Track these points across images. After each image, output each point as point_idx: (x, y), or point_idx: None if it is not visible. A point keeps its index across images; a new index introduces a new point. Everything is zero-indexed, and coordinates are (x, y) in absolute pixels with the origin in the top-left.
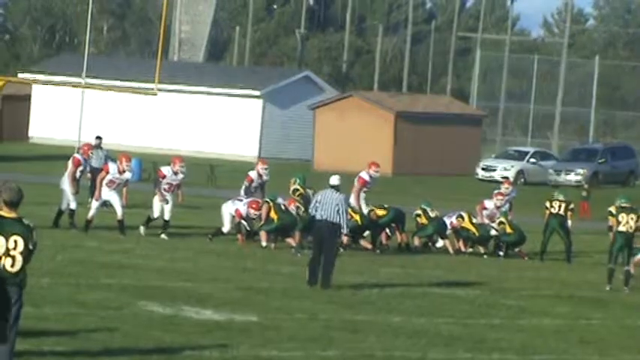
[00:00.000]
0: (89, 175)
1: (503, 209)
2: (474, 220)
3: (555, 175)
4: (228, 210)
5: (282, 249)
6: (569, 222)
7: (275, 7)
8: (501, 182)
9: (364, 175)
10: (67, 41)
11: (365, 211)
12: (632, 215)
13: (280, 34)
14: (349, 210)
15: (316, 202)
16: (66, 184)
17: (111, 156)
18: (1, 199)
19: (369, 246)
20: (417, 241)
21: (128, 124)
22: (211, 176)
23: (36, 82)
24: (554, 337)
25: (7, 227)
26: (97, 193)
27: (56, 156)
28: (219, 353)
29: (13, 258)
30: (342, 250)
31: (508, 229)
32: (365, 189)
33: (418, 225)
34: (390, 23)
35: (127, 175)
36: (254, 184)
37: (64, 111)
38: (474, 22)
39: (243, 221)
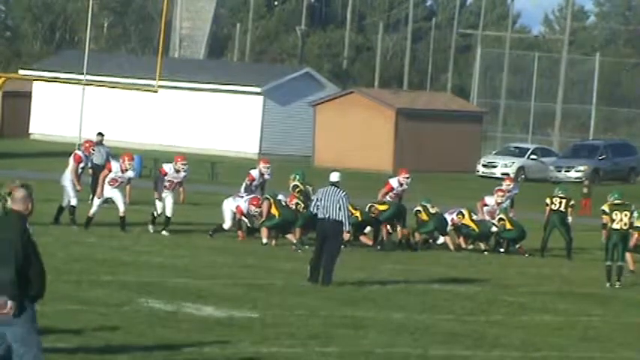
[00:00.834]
0: (90, 171)
1: (504, 205)
2: (474, 217)
3: (556, 171)
4: (229, 206)
5: (283, 245)
6: (570, 218)
7: (276, 3)
8: (502, 179)
9: (393, 182)
10: (68, 38)
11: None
12: (626, 212)
13: (281, 31)
14: (349, 206)
15: (317, 199)
16: (67, 181)
17: (112, 153)
18: None
19: (370, 242)
20: (417, 237)
21: (129, 120)
22: (212, 173)
23: (36, 79)
24: (554, 334)
25: None
26: (99, 190)
27: (57, 153)
28: (219, 350)
29: None
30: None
31: (508, 226)
32: (391, 194)
33: (419, 221)
34: (390, 20)
35: (130, 173)
36: (255, 183)
37: (64, 108)
38: (474, 19)
39: (244, 218)
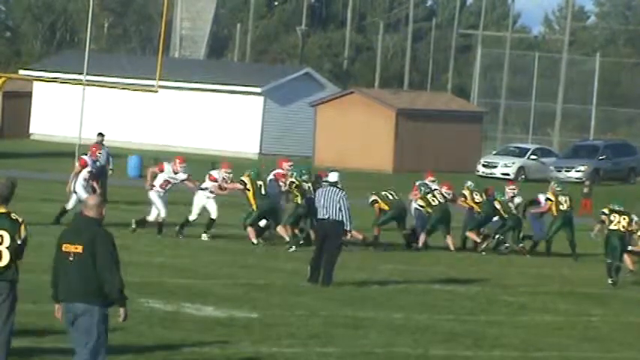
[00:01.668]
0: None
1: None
2: (476, 198)
3: (556, 171)
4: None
5: (282, 245)
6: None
7: (276, 3)
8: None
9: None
10: (68, 38)
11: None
12: (625, 216)
13: (281, 31)
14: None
15: (317, 200)
16: (79, 187)
17: (112, 153)
18: None
19: (360, 236)
20: (375, 231)
21: (129, 121)
22: None
23: (37, 79)
24: (555, 334)
25: None
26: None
27: (57, 153)
28: (219, 350)
29: (0, 253)
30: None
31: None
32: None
33: (378, 212)
34: (390, 20)
35: (182, 175)
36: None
37: (64, 108)
38: (474, 19)
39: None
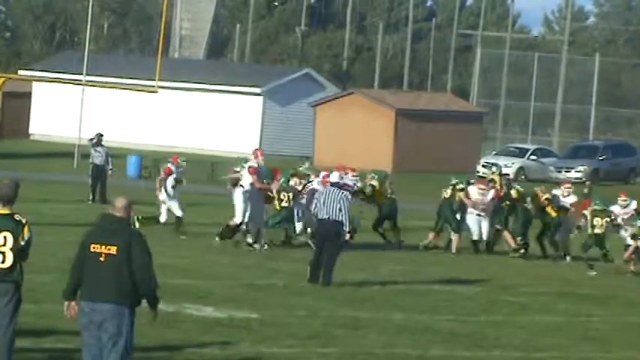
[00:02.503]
0: (90, 173)
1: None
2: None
3: (556, 172)
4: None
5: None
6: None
7: (276, 4)
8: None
9: (472, 191)
10: (68, 39)
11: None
12: (606, 217)
13: (281, 32)
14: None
15: (317, 201)
16: (162, 194)
17: (111, 153)
18: None
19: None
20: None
21: (129, 121)
22: (211, 173)
23: (36, 79)
24: (555, 334)
25: None
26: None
27: (57, 153)
28: (220, 350)
29: (3, 254)
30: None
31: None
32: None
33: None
34: (390, 21)
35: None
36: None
37: (64, 108)
38: (474, 20)
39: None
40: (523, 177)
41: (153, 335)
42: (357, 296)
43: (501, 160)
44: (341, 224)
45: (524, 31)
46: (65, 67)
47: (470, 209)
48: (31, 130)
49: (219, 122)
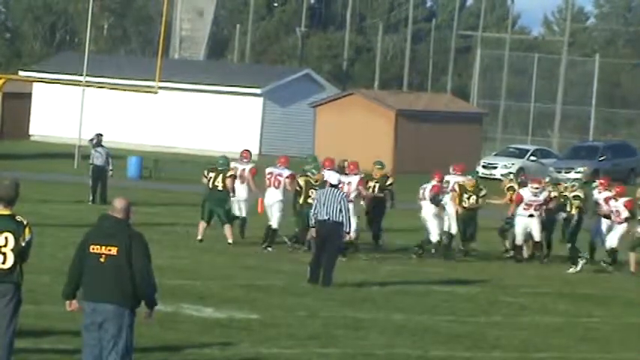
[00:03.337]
0: (90, 173)
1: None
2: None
3: (556, 172)
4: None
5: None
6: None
7: (276, 5)
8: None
9: (525, 193)
10: (68, 39)
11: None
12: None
13: (281, 32)
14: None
15: (317, 201)
16: (274, 201)
17: (112, 154)
18: None
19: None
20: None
21: (129, 122)
22: None
23: (37, 80)
24: (554, 335)
25: None
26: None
27: (57, 154)
28: (219, 351)
29: (4, 255)
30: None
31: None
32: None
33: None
34: (390, 21)
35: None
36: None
37: (64, 109)
38: (474, 21)
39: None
40: (523, 178)
41: (152, 336)
42: (357, 297)
43: (501, 161)
44: (340, 225)
45: (524, 31)
46: (65, 67)
47: (520, 210)
48: (31, 131)
49: (220, 123)
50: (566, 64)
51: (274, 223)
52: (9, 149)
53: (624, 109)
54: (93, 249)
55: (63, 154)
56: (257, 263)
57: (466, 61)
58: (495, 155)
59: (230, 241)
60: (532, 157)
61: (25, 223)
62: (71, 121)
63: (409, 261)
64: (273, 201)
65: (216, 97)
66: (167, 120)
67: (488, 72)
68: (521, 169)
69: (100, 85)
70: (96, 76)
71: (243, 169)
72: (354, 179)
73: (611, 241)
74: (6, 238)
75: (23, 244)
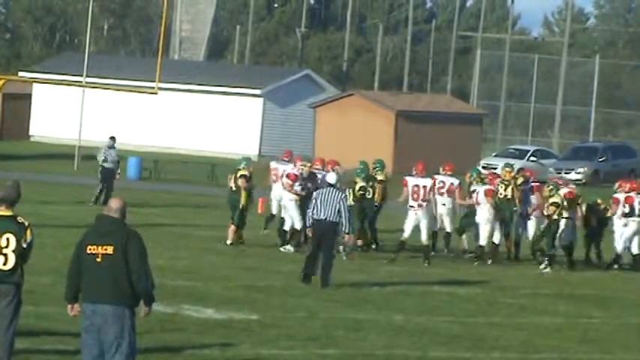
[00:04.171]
0: (99, 175)
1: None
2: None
3: (556, 173)
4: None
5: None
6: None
7: (275, 5)
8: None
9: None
10: (68, 40)
11: None
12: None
13: (281, 33)
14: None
15: (316, 201)
16: (287, 200)
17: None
18: None
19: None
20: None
21: (129, 122)
22: (212, 175)
23: (37, 81)
24: (554, 336)
25: None
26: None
27: (57, 155)
28: (219, 352)
29: (5, 256)
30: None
31: None
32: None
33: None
34: (390, 22)
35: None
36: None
37: (64, 110)
38: (474, 21)
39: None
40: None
41: (152, 337)
42: (356, 298)
43: (501, 162)
44: (338, 225)
45: (524, 32)
46: (65, 68)
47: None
48: (31, 132)
49: (220, 124)
50: (566, 65)
51: (297, 223)
52: (9, 150)
53: (624, 110)
54: (90, 249)
55: (63, 155)
56: (257, 264)
57: (466, 62)
58: (495, 156)
59: (229, 242)
60: (532, 158)
61: (26, 224)
62: (71, 121)
63: (409, 262)
64: (284, 197)
65: (216, 97)
66: (167, 121)
67: (488, 73)
68: (521, 170)
69: (100, 86)
70: (96, 77)
71: (284, 170)
72: (428, 182)
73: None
74: (7, 239)
75: (24, 246)
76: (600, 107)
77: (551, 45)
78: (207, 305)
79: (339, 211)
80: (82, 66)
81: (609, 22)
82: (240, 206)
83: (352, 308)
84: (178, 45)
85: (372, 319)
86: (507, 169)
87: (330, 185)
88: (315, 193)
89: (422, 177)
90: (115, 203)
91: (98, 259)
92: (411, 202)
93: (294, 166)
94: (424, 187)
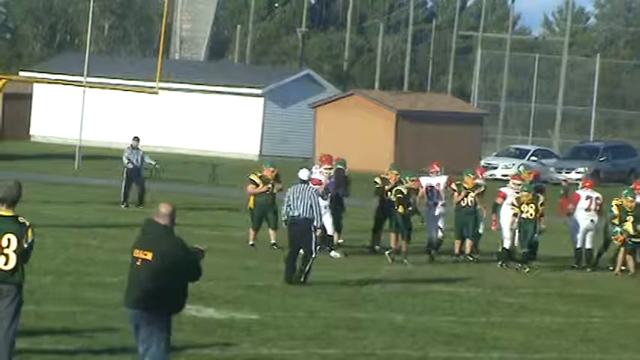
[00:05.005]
0: (125, 175)
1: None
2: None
3: (556, 173)
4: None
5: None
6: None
7: (276, 5)
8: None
9: (507, 191)
10: (69, 40)
11: None
12: (532, 205)
13: (281, 33)
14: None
15: (290, 198)
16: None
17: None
18: None
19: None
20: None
21: (129, 122)
22: (213, 175)
23: (37, 80)
24: (554, 336)
25: (0, 225)
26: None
27: (57, 155)
28: (220, 351)
29: (7, 256)
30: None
31: None
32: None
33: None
34: (391, 22)
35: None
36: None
37: (65, 109)
38: (474, 21)
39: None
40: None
41: None
42: (357, 297)
43: (502, 162)
44: (312, 221)
45: (524, 32)
46: (66, 68)
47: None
48: (31, 132)
49: (220, 123)
50: (567, 64)
51: (328, 228)
52: (10, 150)
53: (625, 110)
54: (135, 254)
55: (63, 155)
56: (257, 264)
57: (466, 62)
58: (496, 156)
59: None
60: (533, 158)
61: (27, 224)
62: (72, 121)
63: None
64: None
65: (216, 97)
66: (168, 121)
67: (488, 72)
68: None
69: (101, 86)
70: (96, 77)
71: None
72: (442, 179)
73: None
74: (8, 239)
75: (25, 246)
76: (601, 107)
77: (552, 44)
78: (208, 305)
79: (311, 206)
80: (82, 66)
81: (609, 21)
82: (248, 208)
83: (353, 308)
84: (179, 45)
85: (372, 318)
86: (527, 170)
87: (302, 181)
88: (288, 191)
89: (437, 175)
90: (164, 208)
91: (138, 264)
92: (427, 202)
93: (319, 168)
94: (437, 184)
